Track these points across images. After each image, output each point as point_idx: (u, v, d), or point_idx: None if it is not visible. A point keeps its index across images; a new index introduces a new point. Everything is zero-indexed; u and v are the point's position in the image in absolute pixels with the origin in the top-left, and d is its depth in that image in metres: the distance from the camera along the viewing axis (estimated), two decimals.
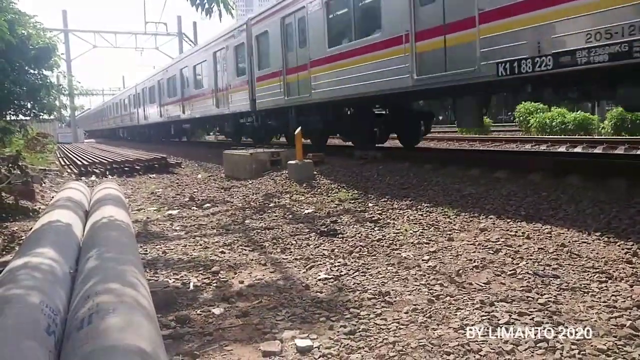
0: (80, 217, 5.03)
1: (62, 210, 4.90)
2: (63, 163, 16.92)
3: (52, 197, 7.38)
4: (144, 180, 12.63)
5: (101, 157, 17.03)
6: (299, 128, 10.71)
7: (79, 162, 15.32)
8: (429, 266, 4.19)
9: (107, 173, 13.80)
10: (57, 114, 14.28)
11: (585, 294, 3.38)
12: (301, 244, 5.25)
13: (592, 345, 2.64)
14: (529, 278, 3.74)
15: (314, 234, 5.66)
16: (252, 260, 4.77)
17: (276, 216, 6.91)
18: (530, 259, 4.19)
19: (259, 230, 6.04)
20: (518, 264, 4.10)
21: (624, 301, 3.19)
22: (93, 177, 13.09)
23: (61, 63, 10.93)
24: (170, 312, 3.45)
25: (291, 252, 4.99)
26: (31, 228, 4.74)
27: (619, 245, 4.38)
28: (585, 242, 4.55)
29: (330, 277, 4.09)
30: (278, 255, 4.91)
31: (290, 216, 6.86)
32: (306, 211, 7.05)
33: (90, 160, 15.45)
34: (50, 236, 3.71)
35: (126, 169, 14.21)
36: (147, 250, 5.26)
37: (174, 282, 4.15)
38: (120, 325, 2.01)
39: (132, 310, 2.19)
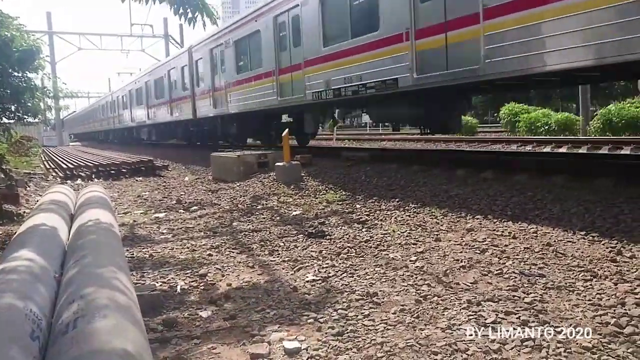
0: (66, 220, 4.98)
1: (47, 213, 4.85)
2: (48, 166, 16.75)
3: (37, 201, 7.29)
4: (130, 183, 12.54)
5: (87, 160, 16.87)
6: (286, 130, 10.71)
7: (64, 166, 15.17)
8: (417, 267, 4.21)
9: (93, 176, 13.67)
10: (41, 116, 14.12)
11: (571, 293, 3.42)
12: (289, 246, 5.25)
13: (577, 344, 2.67)
14: (516, 277, 3.77)
15: (302, 235, 5.65)
16: (240, 262, 4.75)
17: (264, 218, 6.90)
18: (517, 259, 4.22)
19: (246, 233, 6.02)
20: (504, 263, 4.13)
21: (609, 299, 3.22)
22: (79, 181, 12.96)
23: (46, 65, 10.82)
24: (157, 316, 3.43)
25: (279, 254, 4.98)
26: (15, 232, 4.68)
27: (603, 244, 4.43)
28: (570, 241, 4.60)
29: (318, 278, 4.08)
30: (266, 257, 4.90)
31: (278, 218, 6.85)
32: (294, 213, 7.05)
33: (75, 164, 15.29)
34: (35, 240, 3.67)
35: (112, 172, 14.09)
36: (133, 254, 5.22)
37: (160, 285, 4.12)
38: (106, 329, 1.99)
39: (118, 314, 2.17)
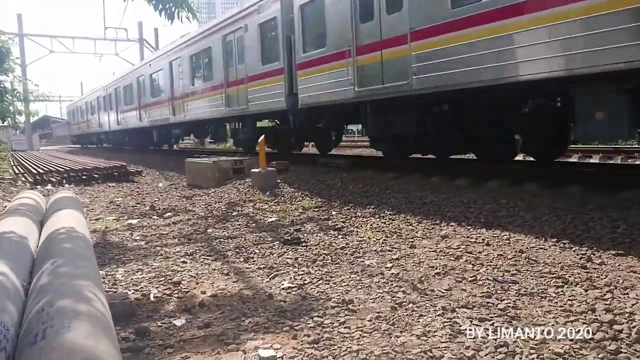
0: (35, 227, 4.86)
1: (15, 219, 4.73)
2: (17, 171, 16.34)
3: (5, 207, 7.10)
4: (102, 189, 12.31)
5: (57, 165, 16.51)
6: (262, 136, 10.69)
7: (34, 170, 14.80)
8: (392, 273, 4.22)
9: (64, 182, 13.38)
10: (11, 120, 13.80)
11: (543, 299, 3.47)
12: (264, 253, 5.21)
13: (550, 349, 2.70)
14: (489, 284, 3.82)
15: (277, 242, 5.62)
16: (215, 270, 4.70)
17: (239, 225, 6.84)
18: (490, 265, 4.27)
19: (221, 240, 5.96)
20: (478, 270, 4.18)
21: (579, 305, 3.28)
22: (49, 186, 12.66)
23: (16, 68, 10.59)
24: (129, 325, 3.36)
25: (254, 261, 4.95)
26: None
27: (574, 251, 4.52)
28: (542, 248, 4.68)
29: (293, 285, 4.06)
30: (241, 264, 4.86)
31: (254, 225, 6.80)
32: (270, 220, 7.01)
33: (46, 169, 14.95)
34: (2, 247, 3.57)
35: (84, 177, 13.80)
36: (105, 261, 5.12)
37: (133, 293, 4.05)
38: (76, 339, 1.94)
39: (88, 324, 2.12)
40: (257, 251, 5.30)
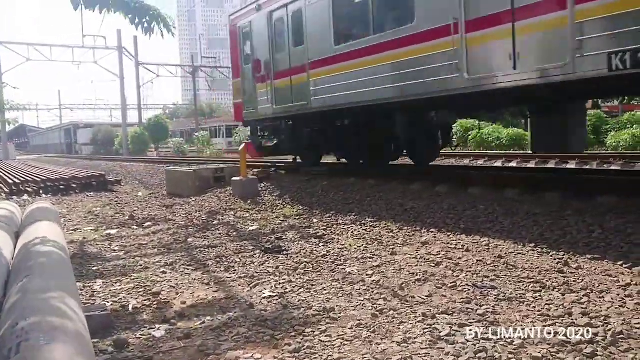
0: (10, 239, 4.76)
1: None
2: None
3: None
4: (80, 199, 12.14)
5: (34, 174, 16.23)
6: (243, 145, 10.66)
7: (10, 181, 14.51)
8: (373, 281, 4.23)
9: (41, 192, 13.14)
10: None
11: (521, 304, 3.51)
12: (245, 262, 5.19)
13: (528, 354, 2.73)
14: (469, 290, 3.85)
15: (258, 251, 5.60)
16: (195, 280, 4.66)
17: (220, 234, 6.80)
18: (470, 271, 4.31)
19: (202, 249, 5.92)
20: (458, 276, 4.21)
21: (557, 310, 3.33)
22: (25, 197, 12.44)
23: None
24: (107, 337, 3.31)
25: (235, 270, 4.92)
26: None
27: (551, 256, 4.59)
28: (520, 253, 4.74)
29: (275, 294, 4.05)
30: (222, 274, 4.82)
31: (235, 234, 6.77)
32: (251, 228, 6.98)
33: (22, 179, 14.67)
34: None
35: (62, 187, 13.58)
36: (83, 273, 5.04)
37: (111, 304, 3.99)
38: (52, 353, 1.91)
39: (65, 337, 2.08)
40: (238, 260, 5.27)
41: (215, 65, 53.40)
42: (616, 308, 3.32)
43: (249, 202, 9.07)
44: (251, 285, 4.36)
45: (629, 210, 5.36)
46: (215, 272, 4.91)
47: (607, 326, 3.00)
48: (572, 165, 11.75)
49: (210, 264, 5.21)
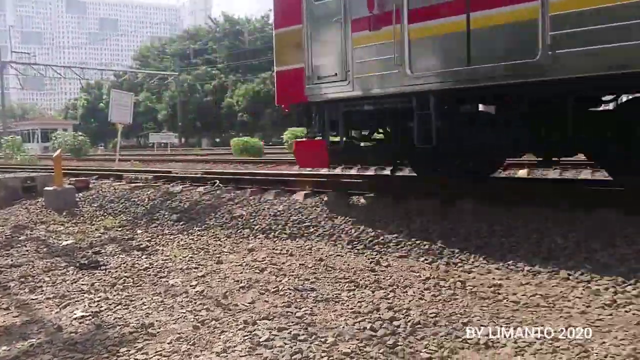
0: None
1: None
2: None
3: None
4: None
5: None
6: (59, 151, 9.71)
7: None
8: (197, 291, 4.16)
9: None
10: None
11: (337, 303, 3.73)
12: (56, 281, 4.72)
13: (339, 350, 2.92)
14: (290, 293, 3.98)
15: (72, 267, 5.14)
16: None
17: (27, 251, 6.09)
18: (292, 275, 4.47)
19: (3, 269, 5.24)
20: (281, 281, 4.33)
21: (367, 306, 3.61)
22: None
23: None
24: None
25: (43, 290, 4.44)
26: None
27: (365, 256, 4.97)
28: (339, 255, 5.05)
29: (88, 314, 3.74)
30: (26, 295, 4.32)
31: (45, 250, 6.12)
32: (65, 243, 6.38)
33: None
34: None
35: None
36: None
37: None
38: None
39: None
40: (47, 279, 4.78)
41: (29, 62, 48.13)
42: (416, 300, 3.71)
43: (64, 214, 8.28)
44: (61, 306, 3.98)
45: (434, 210, 5.98)
46: (17, 294, 4.38)
47: (407, 318, 3.34)
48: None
49: (12, 285, 4.63)
